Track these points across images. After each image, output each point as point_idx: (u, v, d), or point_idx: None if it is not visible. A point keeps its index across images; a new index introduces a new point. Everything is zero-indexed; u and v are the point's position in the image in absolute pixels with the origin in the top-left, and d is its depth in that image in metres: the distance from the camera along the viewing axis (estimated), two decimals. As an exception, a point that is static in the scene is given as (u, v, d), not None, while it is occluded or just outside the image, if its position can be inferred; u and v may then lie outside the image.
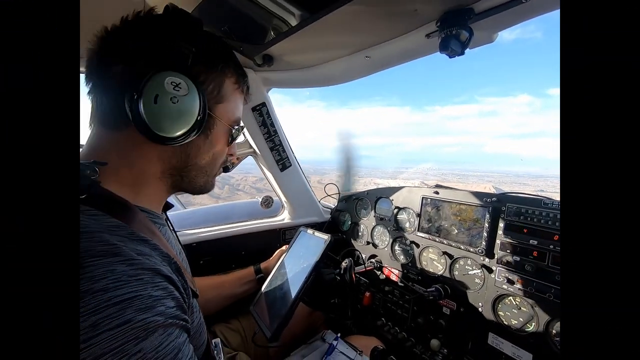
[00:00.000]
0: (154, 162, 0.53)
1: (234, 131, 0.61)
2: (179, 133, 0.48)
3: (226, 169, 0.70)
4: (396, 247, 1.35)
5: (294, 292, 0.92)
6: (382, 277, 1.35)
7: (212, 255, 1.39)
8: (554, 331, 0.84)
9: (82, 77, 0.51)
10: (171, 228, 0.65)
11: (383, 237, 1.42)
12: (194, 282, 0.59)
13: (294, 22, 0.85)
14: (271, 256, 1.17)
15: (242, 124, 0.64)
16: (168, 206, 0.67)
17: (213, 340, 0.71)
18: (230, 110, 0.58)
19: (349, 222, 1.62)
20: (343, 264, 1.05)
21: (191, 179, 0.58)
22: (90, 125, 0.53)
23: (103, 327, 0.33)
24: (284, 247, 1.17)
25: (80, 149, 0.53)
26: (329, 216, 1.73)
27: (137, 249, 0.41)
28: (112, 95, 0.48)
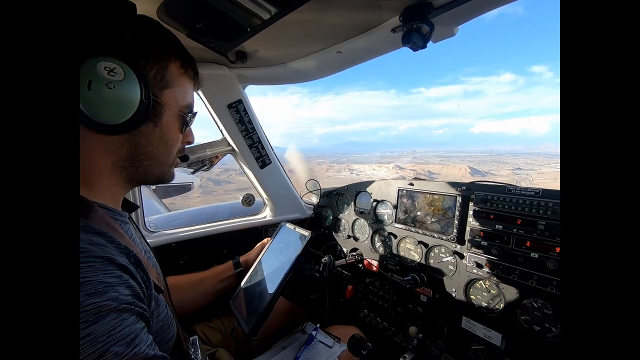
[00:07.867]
0: (101, 155, 0.51)
1: (186, 117, 0.59)
2: (123, 120, 0.47)
3: (184, 158, 0.68)
4: (376, 239, 1.38)
5: (273, 287, 0.92)
6: (363, 269, 1.38)
7: (192, 255, 1.37)
8: (519, 310, 0.89)
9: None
10: (135, 227, 0.64)
11: (363, 230, 1.45)
12: (159, 278, 0.59)
13: (265, 17, 0.85)
14: None
15: (194, 109, 0.62)
16: (132, 207, 0.66)
17: (190, 338, 0.71)
18: (178, 96, 0.56)
19: (331, 217, 1.64)
20: (322, 260, 1.06)
21: (145, 168, 0.56)
22: None
23: None
24: (265, 240, 1.18)
25: None
26: (312, 212, 1.74)
27: (91, 240, 0.41)
28: None
